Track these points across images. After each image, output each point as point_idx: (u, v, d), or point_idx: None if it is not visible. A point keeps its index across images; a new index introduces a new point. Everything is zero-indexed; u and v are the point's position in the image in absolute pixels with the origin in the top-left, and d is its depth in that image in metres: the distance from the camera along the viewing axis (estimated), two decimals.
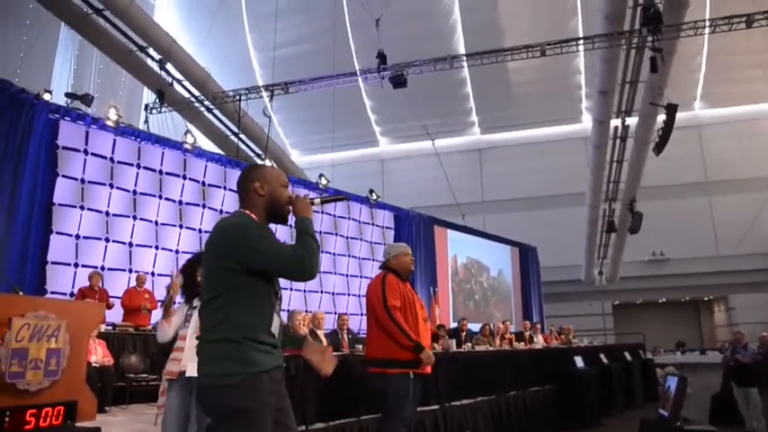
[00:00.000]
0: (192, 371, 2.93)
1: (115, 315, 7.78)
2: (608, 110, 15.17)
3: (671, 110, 12.18)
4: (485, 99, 21.28)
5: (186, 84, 15.10)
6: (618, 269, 20.55)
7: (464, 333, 9.37)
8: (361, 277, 12.87)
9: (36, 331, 3.18)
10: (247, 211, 2.13)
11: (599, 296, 21.79)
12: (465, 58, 14.45)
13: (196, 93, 15.26)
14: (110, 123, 9.18)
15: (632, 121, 15.69)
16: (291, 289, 11.23)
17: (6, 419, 2.77)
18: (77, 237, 8.50)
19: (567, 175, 20.53)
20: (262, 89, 15.30)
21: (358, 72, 14.82)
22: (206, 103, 15.44)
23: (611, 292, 21.65)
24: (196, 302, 3.20)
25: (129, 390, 6.34)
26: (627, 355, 10.87)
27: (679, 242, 20.19)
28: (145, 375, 6.46)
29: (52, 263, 8.13)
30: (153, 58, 14.21)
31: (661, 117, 12.86)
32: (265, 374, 1.98)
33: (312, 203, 2.21)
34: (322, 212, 12.16)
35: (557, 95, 20.83)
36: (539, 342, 10.29)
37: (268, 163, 12.36)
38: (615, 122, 16.04)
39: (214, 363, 1.96)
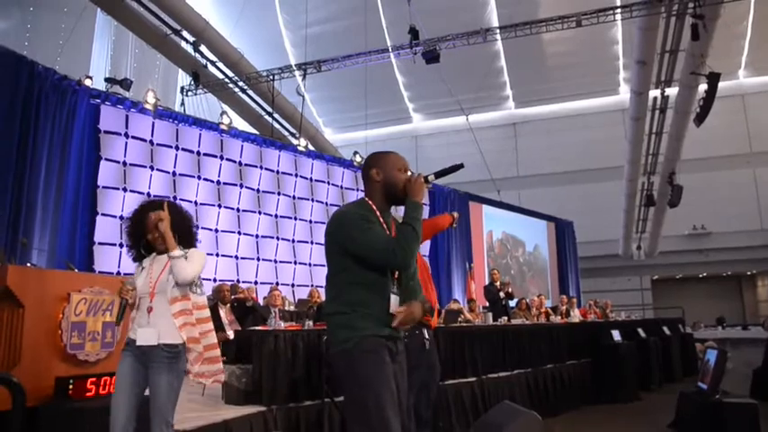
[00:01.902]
0: (143, 339, 2.63)
1: None
2: (647, 80, 14.77)
3: (713, 79, 11.80)
4: (519, 72, 20.91)
5: (220, 65, 15.29)
6: (657, 243, 20.19)
7: (497, 283, 9.10)
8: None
9: (92, 306, 3.37)
10: (366, 198, 2.32)
11: (637, 271, 21.49)
12: (498, 30, 14.21)
13: (230, 74, 15.44)
14: (148, 107, 9.41)
15: (672, 91, 15.25)
16: None
17: (71, 387, 2.98)
18: (121, 218, 8.79)
19: (604, 149, 20.14)
20: (294, 68, 15.38)
21: (390, 48, 14.76)
22: (240, 83, 15.60)
23: (650, 266, 21.31)
24: (146, 263, 2.80)
25: None
26: (665, 329, 10.76)
27: (721, 215, 19.68)
28: None
29: (99, 243, 8.45)
30: (187, 41, 14.41)
31: (702, 87, 12.47)
32: (379, 339, 2.13)
33: (427, 181, 2.28)
34: (358, 190, 12.27)
35: (593, 67, 20.34)
36: (575, 316, 10.26)
37: (303, 142, 12.48)
38: (654, 93, 15.62)
39: (334, 332, 2.18)
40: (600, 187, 20.14)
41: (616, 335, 8.41)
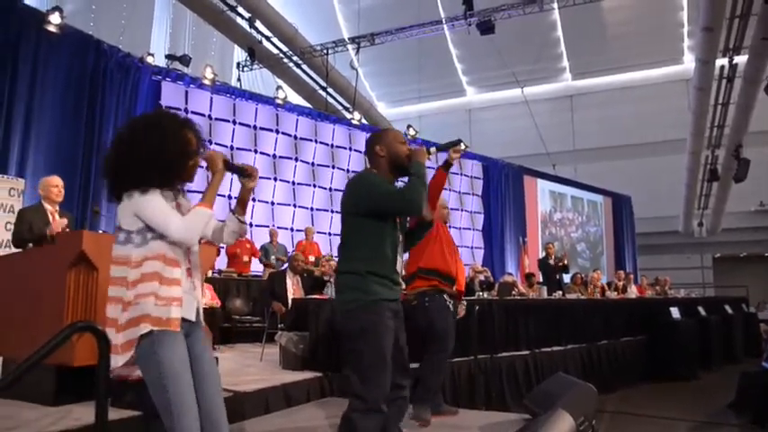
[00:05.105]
0: (193, 312, 2.01)
1: (220, 262, 8.36)
2: (713, 48, 14.02)
3: None
4: (577, 43, 20.21)
5: (275, 40, 15.43)
6: (720, 220, 19.39)
7: (552, 257, 8.89)
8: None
9: None
10: (373, 170, 2.52)
11: (698, 249, 20.71)
12: None
13: (285, 49, 15.58)
14: (207, 82, 9.66)
15: (741, 59, 14.47)
16: None
17: None
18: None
19: (665, 121, 19.36)
20: (348, 42, 15.38)
21: (443, 20, 14.54)
22: (294, 58, 15.74)
23: (712, 244, 20.50)
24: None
25: (234, 330, 6.86)
26: (727, 308, 10.43)
27: None
28: (249, 317, 6.96)
29: None
30: (242, 17, 14.60)
31: None
32: (383, 302, 2.35)
33: (429, 152, 2.50)
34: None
35: (655, 35, 19.44)
36: (632, 292, 10.05)
37: (357, 116, 12.55)
38: (721, 62, 14.83)
39: (344, 291, 2.41)
40: (660, 161, 19.40)
41: (675, 312, 8.22)
